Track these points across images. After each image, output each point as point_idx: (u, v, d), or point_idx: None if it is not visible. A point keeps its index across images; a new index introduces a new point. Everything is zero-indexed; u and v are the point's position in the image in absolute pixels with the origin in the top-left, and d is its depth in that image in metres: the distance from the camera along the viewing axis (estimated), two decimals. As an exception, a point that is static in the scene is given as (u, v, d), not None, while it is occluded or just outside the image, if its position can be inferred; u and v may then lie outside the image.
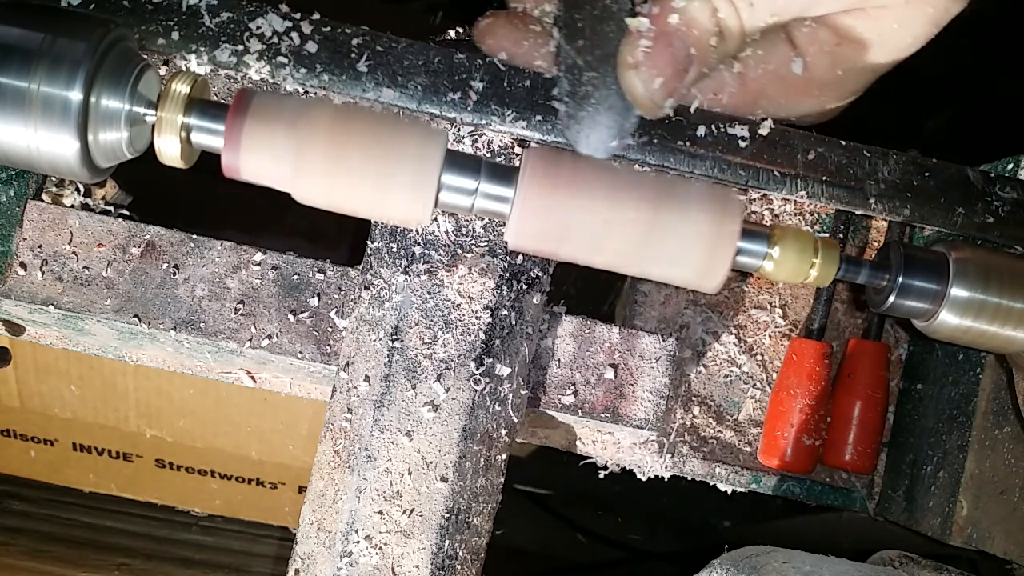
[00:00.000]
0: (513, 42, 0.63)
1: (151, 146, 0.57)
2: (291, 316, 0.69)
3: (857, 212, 0.67)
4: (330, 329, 0.70)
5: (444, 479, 0.65)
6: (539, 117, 0.63)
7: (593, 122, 0.58)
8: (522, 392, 0.68)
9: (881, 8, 0.59)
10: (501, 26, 0.63)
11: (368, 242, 0.68)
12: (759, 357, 0.81)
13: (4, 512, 1.38)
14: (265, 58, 0.62)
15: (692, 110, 0.63)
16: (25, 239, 0.69)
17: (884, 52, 0.61)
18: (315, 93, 0.64)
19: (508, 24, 0.63)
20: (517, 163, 0.63)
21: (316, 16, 0.63)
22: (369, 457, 0.64)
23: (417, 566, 0.64)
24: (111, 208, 0.74)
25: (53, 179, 0.72)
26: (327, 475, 0.66)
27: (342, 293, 0.70)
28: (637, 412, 0.71)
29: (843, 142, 0.66)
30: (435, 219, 0.67)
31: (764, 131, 0.64)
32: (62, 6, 0.61)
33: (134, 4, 0.62)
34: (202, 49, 0.62)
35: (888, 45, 0.61)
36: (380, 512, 0.64)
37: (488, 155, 0.66)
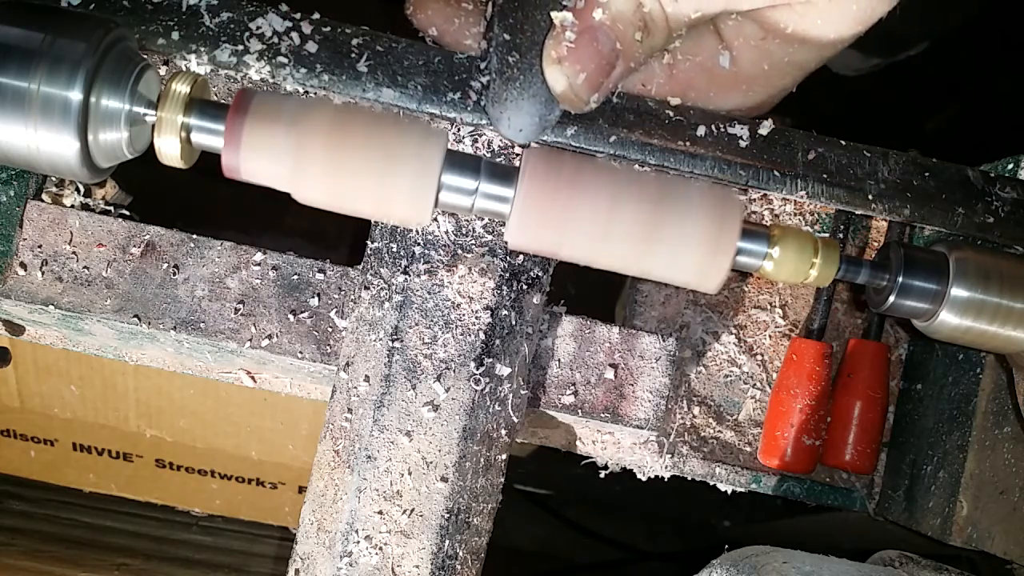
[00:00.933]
0: (444, 18, 0.63)
1: (151, 146, 0.57)
2: (291, 316, 0.69)
3: (857, 212, 0.67)
4: (330, 329, 0.70)
5: (444, 479, 0.65)
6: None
7: (516, 107, 0.59)
8: (522, 392, 0.68)
9: (806, 4, 0.59)
10: (435, 6, 0.63)
11: (368, 242, 0.68)
12: (759, 357, 0.81)
13: (4, 512, 1.38)
14: (265, 58, 0.62)
15: (617, 97, 0.63)
16: (25, 239, 0.69)
17: (810, 48, 0.61)
18: (315, 93, 0.64)
19: (441, 5, 0.63)
20: (517, 163, 0.63)
21: (316, 16, 0.63)
22: (369, 457, 0.64)
23: (417, 566, 0.64)
24: (111, 208, 0.74)
25: (53, 179, 0.72)
26: (327, 475, 0.66)
27: (342, 293, 0.70)
28: (637, 412, 0.71)
29: (843, 142, 0.66)
30: (435, 219, 0.67)
31: (764, 131, 0.64)
32: (62, 6, 0.61)
33: (134, 4, 0.62)
34: (202, 49, 0.62)
35: (813, 41, 0.61)
36: (380, 512, 0.64)
37: (488, 155, 0.66)
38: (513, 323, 0.67)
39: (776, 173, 0.65)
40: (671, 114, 0.64)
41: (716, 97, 0.64)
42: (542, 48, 0.57)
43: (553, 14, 0.56)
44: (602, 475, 0.83)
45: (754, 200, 0.78)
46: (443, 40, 0.64)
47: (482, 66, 0.61)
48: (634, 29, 0.56)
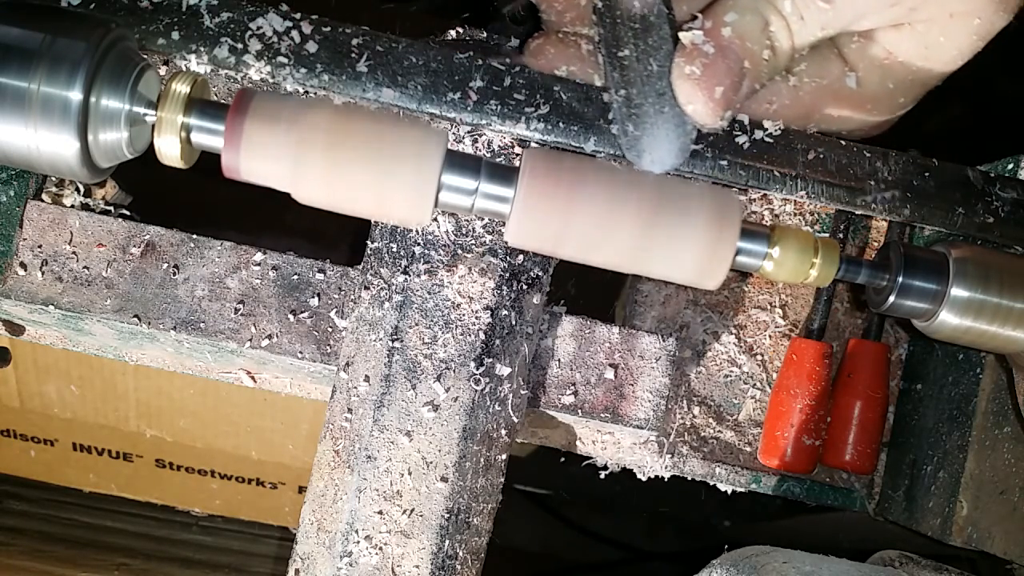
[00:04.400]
0: (565, 60, 0.63)
1: (151, 146, 0.57)
2: (291, 316, 0.69)
3: (857, 212, 0.67)
4: (330, 329, 0.70)
5: (444, 479, 0.65)
6: (539, 117, 0.63)
7: (652, 139, 0.59)
8: (522, 392, 0.68)
9: (927, 22, 0.60)
10: (552, 46, 0.64)
11: (368, 242, 0.68)
12: (759, 357, 0.81)
13: (4, 512, 1.38)
14: (265, 58, 0.62)
15: (746, 122, 0.63)
16: (25, 239, 0.69)
17: (932, 65, 0.62)
18: (315, 93, 0.64)
19: (559, 44, 0.64)
20: (517, 163, 0.63)
21: (316, 16, 0.63)
22: (369, 457, 0.64)
23: (417, 566, 0.64)
24: (111, 208, 0.74)
25: (53, 179, 0.72)
26: (327, 475, 0.66)
27: (342, 293, 0.70)
28: (637, 412, 0.71)
29: (843, 142, 0.66)
30: (435, 219, 0.67)
31: (763, 132, 0.64)
32: (62, 6, 0.61)
33: (134, 4, 0.62)
34: (202, 49, 0.62)
35: (935, 58, 0.62)
36: (380, 512, 0.64)
37: (488, 155, 0.66)
38: (513, 323, 0.67)
39: (776, 173, 0.65)
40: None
41: (840, 118, 0.65)
42: (668, 72, 0.57)
43: (681, 34, 0.57)
44: (602, 475, 0.83)
45: (754, 200, 0.78)
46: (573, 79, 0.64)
47: (609, 115, 0.61)
48: (761, 47, 0.57)
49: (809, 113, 0.65)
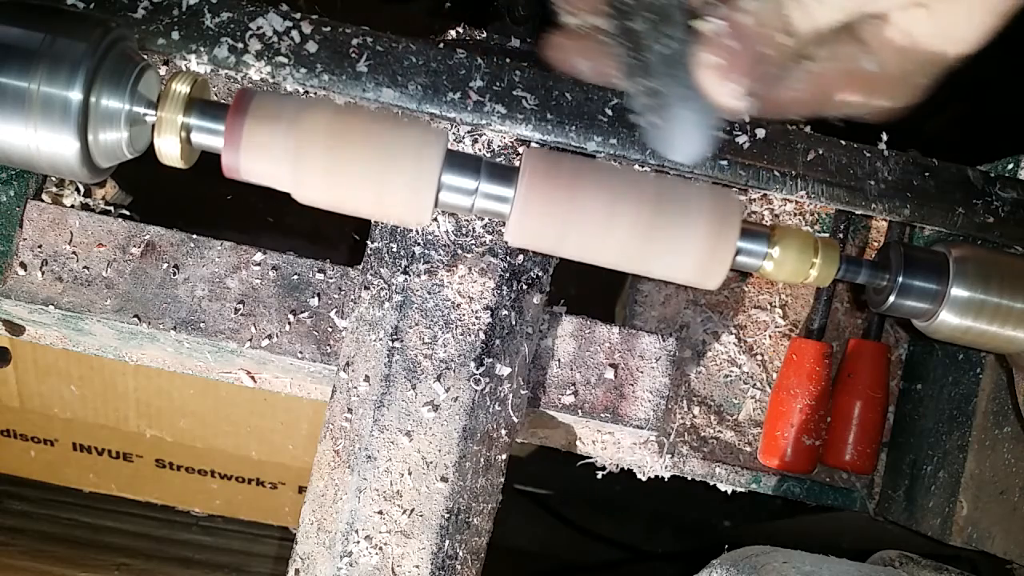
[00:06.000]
0: (586, 60, 0.63)
1: (151, 146, 0.57)
2: (291, 316, 0.69)
3: (857, 212, 0.67)
4: (330, 329, 0.70)
5: (444, 479, 0.65)
6: (539, 117, 0.63)
7: (679, 130, 0.58)
8: (522, 392, 0.68)
9: (944, 1, 0.59)
10: (570, 39, 0.63)
11: (368, 242, 0.68)
12: (759, 357, 0.81)
13: (4, 512, 1.38)
14: (265, 58, 0.62)
15: (746, 122, 0.63)
16: (25, 239, 0.69)
17: (951, 45, 0.61)
18: (315, 93, 0.64)
19: (576, 38, 0.63)
20: (517, 163, 0.63)
21: (316, 16, 0.63)
22: (369, 457, 0.64)
23: (417, 566, 0.64)
24: (111, 208, 0.74)
25: (53, 179, 0.72)
26: (327, 475, 0.66)
27: (342, 293, 0.70)
28: (637, 412, 0.71)
29: (843, 142, 0.66)
30: (435, 219, 0.67)
31: (763, 132, 0.64)
32: (62, 6, 0.61)
33: (134, 4, 0.62)
34: (202, 49, 0.62)
35: (954, 37, 0.61)
36: (380, 512, 0.64)
37: (488, 155, 0.66)
38: (513, 323, 0.67)
39: (776, 173, 0.65)
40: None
41: (859, 102, 0.65)
42: (687, 61, 0.57)
43: (700, 23, 0.56)
44: (601, 475, 0.83)
45: (754, 200, 0.78)
46: (594, 80, 0.64)
47: (632, 108, 0.61)
48: (779, 32, 0.57)
49: (828, 97, 0.64)
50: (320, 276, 0.70)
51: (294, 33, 0.62)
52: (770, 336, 0.81)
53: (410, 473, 0.64)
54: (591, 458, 0.83)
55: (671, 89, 0.57)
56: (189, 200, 1.04)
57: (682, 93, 0.57)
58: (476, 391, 0.65)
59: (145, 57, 0.57)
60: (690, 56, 0.57)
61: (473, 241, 0.67)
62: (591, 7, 0.62)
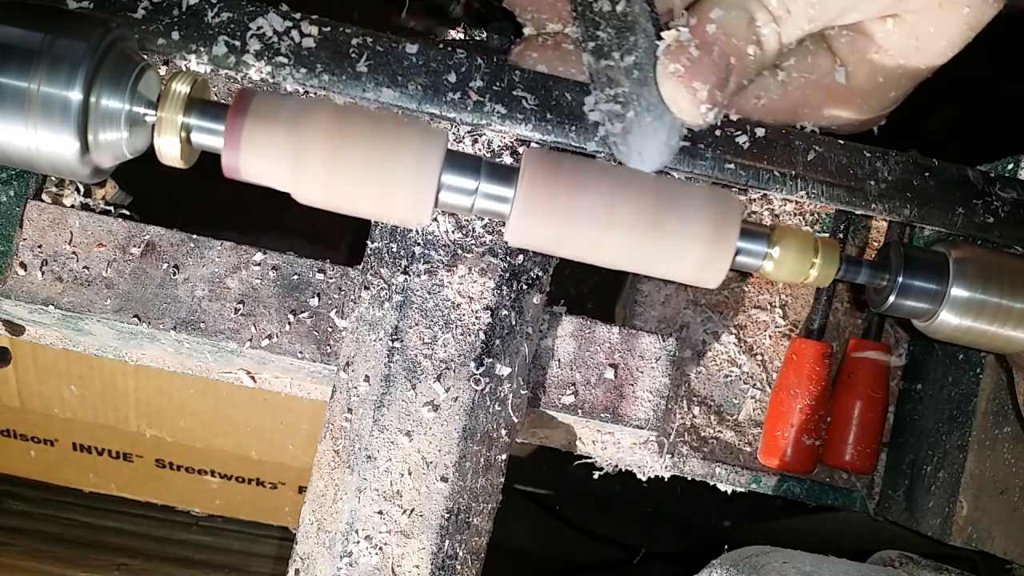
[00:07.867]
0: (548, 64, 0.63)
1: (151, 146, 0.57)
2: (291, 316, 0.69)
3: (857, 212, 0.67)
4: (330, 329, 0.70)
5: (444, 479, 0.65)
6: (539, 117, 0.63)
7: (640, 137, 0.58)
8: (522, 392, 0.68)
9: (915, 12, 0.59)
10: (535, 49, 0.63)
11: (368, 242, 0.68)
12: (759, 357, 0.81)
13: (4, 512, 1.38)
14: (265, 58, 0.62)
15: (734, 119, 0.63)
16: (25, 239, 0.69)
17: (922, 57, 0.61)
18: (315, 93, 0.64)
19: (541, 48, 0.63)
20: (517, 163, 0.63)
21: (316, 16, 0.63)
22: (369, 457, 0.64)
23: (417, 566, 0.64)
24: (111, 208, 0.74)
25: (53, 179, 0.72)
26: (327, 475, 0.66)
27: (342, 293, 0.70)
28: (637, 412, 0.71)
29: (843, 142, 0.66)
30: (435, 219, 0.67)
31: (763, 132, 0.64)
32: (62, 6, 0.61)
33: (134, 3, 0.62)
34: (202, 49, 0.62)
35: (925, 50, 0.61)
36: (380, 512, 0.64)
37: (488, 155, 0.66)
38: (513, 323, 0.67)
39: (776, 173, 0.65)
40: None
41: (830, 113, 0.65)
42: (653, 69, 0.57)
43: (666, 32, 0.56)
44: (601, 475, 0.83)
45: (754, 200, 0.78)
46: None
47: (592, 112, 0.61)
48: (747, 43, 0.57)
49: (798, 108, 0.64)
50: (320, 276, 0.70)
51: (294, 33, 0.62)
52: (770, 336, 0.81)
53: (410, 473, 0.64)
54: (591, 458, 0.83)
55: (635, 97, 0.57)
56: (189, 200, 1.04)
57: (646, 102, 0.57)
58: (476, 391, 0.65)
59: (145, 57, 0.57)
60: (655, 65, 0.57)
61: (473, 241, 0.67)
62: (554, 13, 0.62)
